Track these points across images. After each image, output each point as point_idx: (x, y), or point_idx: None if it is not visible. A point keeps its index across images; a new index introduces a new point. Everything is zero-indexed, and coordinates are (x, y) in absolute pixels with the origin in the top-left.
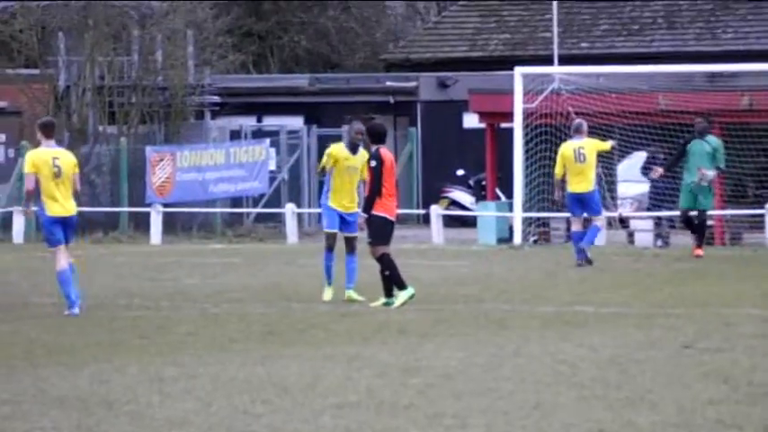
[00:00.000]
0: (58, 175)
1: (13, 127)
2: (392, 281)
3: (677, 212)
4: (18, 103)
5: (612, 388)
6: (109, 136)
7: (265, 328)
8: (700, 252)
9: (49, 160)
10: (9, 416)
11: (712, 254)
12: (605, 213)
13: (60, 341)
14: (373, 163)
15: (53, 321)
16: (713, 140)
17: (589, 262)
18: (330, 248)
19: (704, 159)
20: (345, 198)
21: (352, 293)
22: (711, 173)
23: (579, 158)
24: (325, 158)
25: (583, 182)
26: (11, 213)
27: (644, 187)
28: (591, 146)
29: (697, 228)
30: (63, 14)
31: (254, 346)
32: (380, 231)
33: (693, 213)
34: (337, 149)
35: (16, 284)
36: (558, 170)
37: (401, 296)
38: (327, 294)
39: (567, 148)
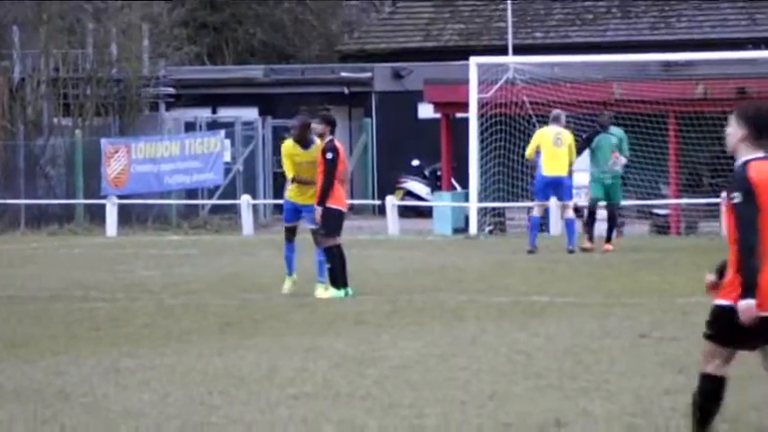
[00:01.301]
0: None
1: None
2: (331, 275)
3: (636, 201)
4: None
5: (568, 377)
6: (64, 128)
7: (222, 320)
8: (609, 247)
9: None
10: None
11: (668, 243)
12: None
13: (16, 333)
14: (329, 155)
15: (7, 314)
16: (618, 132)
17: (572, 252)
18: (289, 240)
19: (611, 151)
20: (303, 191)
21: (319, 289)
22: (623, 159)
23: (557, 143)
24: (284, 164)
25: (558, 165)
26: None
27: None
28: (568, 137)
29: (608, 222)
30: (17, 9)
31: (211, 338)
32: (334, 223)
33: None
34: (287, 148)
35: None
36: (528, 152)
37: (331, 292)
38: (286, 286)
39: (545, 132)
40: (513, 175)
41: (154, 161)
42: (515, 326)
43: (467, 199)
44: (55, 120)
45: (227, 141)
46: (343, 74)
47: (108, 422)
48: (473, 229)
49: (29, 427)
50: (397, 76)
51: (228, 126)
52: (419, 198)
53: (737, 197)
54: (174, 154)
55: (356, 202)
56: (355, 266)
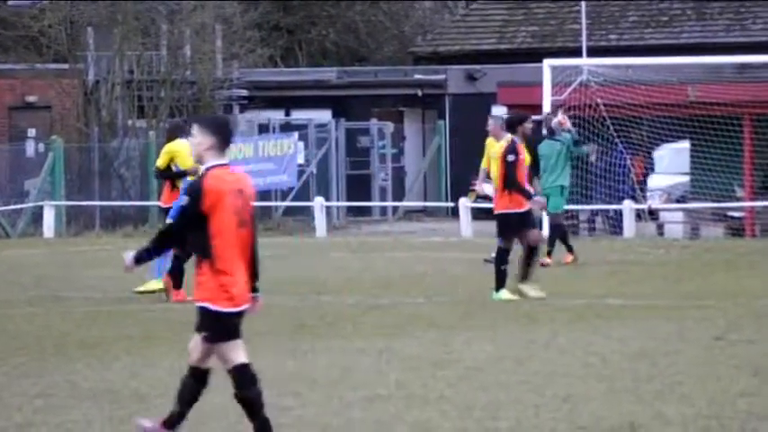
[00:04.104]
0: None
1: (43, 121)
2: (500, 276)
3: (710, 204)
4: (48, 97)
5: (643, 380)
6: (138, 130)
7: (295, 322)
8: (548, 261)
9: None
10: (41, 409)
11: (743, 246)
12: (635, 206)
13: (92, 335)
14: (510, 157)
15: (84, 315)
16: (565, 137)
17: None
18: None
19: (559, 160)
20: None
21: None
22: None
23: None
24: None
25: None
26: (41, 208)
27: (674, 179)
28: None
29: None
30: (92, 10)
31: (284, 340)
32: (509, 226)
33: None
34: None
35: (47, 279)
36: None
37: (505, 294)
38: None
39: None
40: (586, 177)
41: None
42: (589, 329)
43: None
44: (129, 122)
45: (301, 143)
46: (417, 76)
47: (182, 423)
48: (546, 231)
49: (104, 427)
50: (471, 78)
51: (302, 128)
52: (491, 200)
53: None
54: (248, 156)
55: (430, 204)
56: (429, 269)
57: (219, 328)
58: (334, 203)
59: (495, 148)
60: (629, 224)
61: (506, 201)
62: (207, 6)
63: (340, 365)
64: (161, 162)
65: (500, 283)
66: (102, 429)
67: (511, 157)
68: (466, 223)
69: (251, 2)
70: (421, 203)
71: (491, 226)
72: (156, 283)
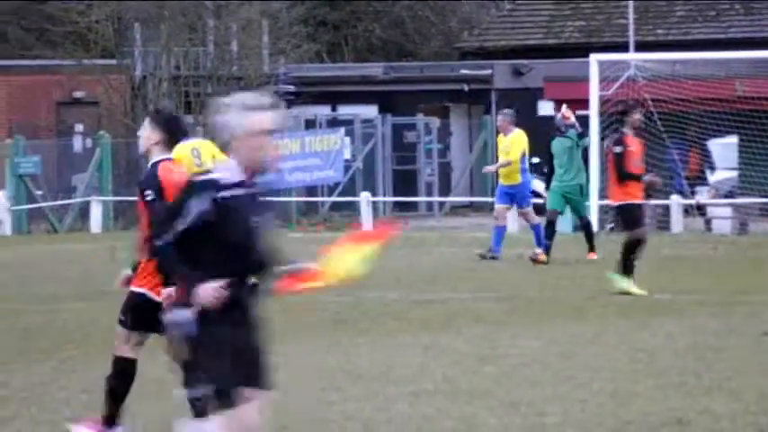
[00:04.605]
0: None
1: (90, 117)
2: (627, 264)
3: (759, 199)
4: (95, 93)
5: (690, 376)
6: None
7: (337, 316)
8: (593, 256)
9: None
10: (87, 404)
11: None
12: (683, 201)
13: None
14: (617, 149)
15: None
16: (572, 133)
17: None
18: None
19: (571, 157)
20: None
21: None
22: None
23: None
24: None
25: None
26: (88, 203)
27: (722, 174)
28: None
29: (585, 234)
30: (138, 5)
31: (326, 334)
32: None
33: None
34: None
35: (94, 274)
36: (517, 156)
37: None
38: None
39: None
40: None
41: None
42: (636, 324)
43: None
44: None
45: (347, 139)
46: (463, 71)
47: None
48: (594, 226)
49: (149, 421)
50: (518, 73)
51: (348, 123)
52: (539, 195)
53: None
54: (295, 151)
55: (476, 199)
56: (474, 264)
57: (145, 316)
58: (380, 198)
59: (503, 143)
60: (676, 219)
61: (621, 193)
62: (253, 2)
63: (384, 361)
64: None
65: (627, 272)
66: (147, 423)
67: (618, 149)
68: (512, 218)
69: None
70: (467, 199)
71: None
72: None
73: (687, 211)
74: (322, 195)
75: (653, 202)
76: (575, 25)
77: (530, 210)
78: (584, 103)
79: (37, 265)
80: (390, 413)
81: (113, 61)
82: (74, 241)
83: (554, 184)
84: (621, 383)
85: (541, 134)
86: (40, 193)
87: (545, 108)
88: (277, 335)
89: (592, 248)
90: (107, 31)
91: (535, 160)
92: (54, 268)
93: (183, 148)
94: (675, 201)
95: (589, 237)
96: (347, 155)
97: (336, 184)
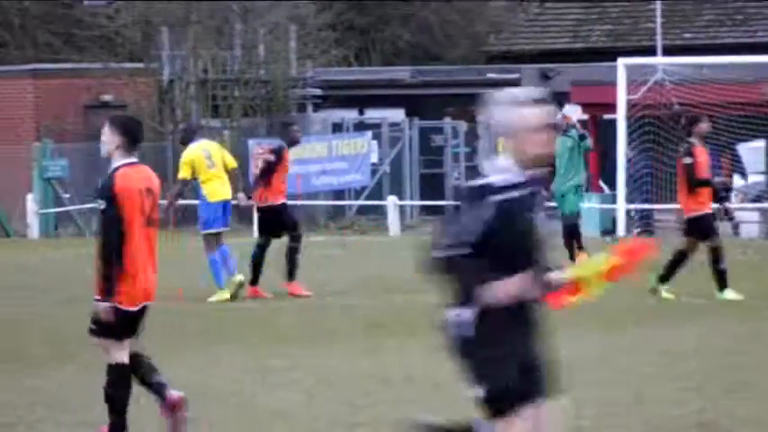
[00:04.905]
0: None
1: None
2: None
3: None
4: (123, 96)
5: (717, 380)
6: (212, 129)
7: (368, 320)
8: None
9: None
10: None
11: None
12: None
13: (162, 332)
14: (688, 160)
15: (156, 313)
16: (573, 133)
17: None
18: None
19: (572, 157)
20: None
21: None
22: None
23: None
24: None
25: None
26: None
27: (750, 178)
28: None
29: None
30: (166, 9)
31: (358, 338)
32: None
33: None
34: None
35: None
36: None
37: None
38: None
39: None
40: (661, 176)
41: (301, 162)
42: (665, 328)
43: (615, 201)
44: (203, 121)
45: (374, 142)
46: (490, 75)
47: (256, 422)
48: (621, 230)
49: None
50: (545, 77)
51: (375, 127)
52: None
53: None
54: (322, 155)
55: None
56: None
57: (113, 324)
58: (407, 202)
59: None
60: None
61: (693, 203)
62: (281, 6)
63: (415, 364)
64: (185, 173)
65: (722, 284)
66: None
67: (688, 160)
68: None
69: (325, 1)
70: None
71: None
72: (224, 293)
73: (715, 216)
74: (349, 199)
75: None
76: (602, 29)
77: None
78: (611, 108)
79: (64, 268)
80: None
81: (141, 65)
82: None
83: (553, 184)
84: (649, 387)
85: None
86: (67, 196)
87: (572, 112)
88: (310, 339)
89: (580, 248)
90: (135, 35)
91: None
92: (81, 271)
93: (195, 150)
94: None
95: (577, 238)
96: (374, 158)
97: (363, 188)
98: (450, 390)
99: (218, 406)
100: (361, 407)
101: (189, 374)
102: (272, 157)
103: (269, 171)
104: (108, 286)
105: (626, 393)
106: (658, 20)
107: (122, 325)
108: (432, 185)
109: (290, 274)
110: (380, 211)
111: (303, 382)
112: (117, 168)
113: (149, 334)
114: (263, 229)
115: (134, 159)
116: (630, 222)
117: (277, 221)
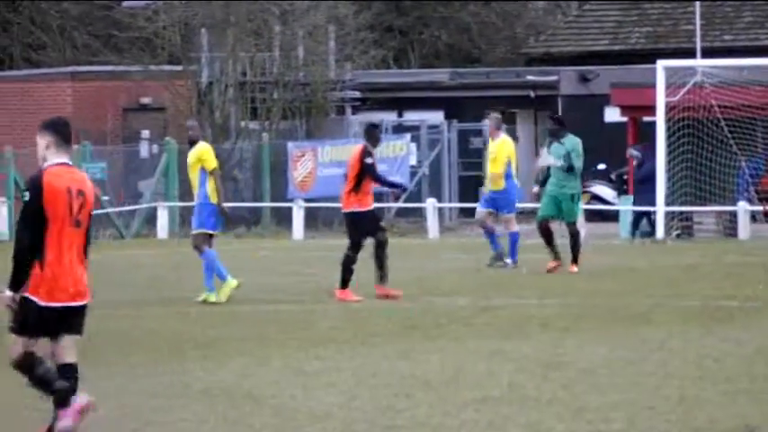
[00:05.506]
0: None
1: (157, 123)
2: None
3: None
4: (161, 99)
5: (758, 382)
6: (251, 132)
7: (407, 323)
8: (574, 269)
9: None
10: (156, 408)
11: None
12: (749, 207)
13: (205, 335)
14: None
15: (197, 316)
16: (569, 141)
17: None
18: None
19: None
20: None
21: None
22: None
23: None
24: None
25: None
26: (155, 209)
27: None
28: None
29: (571, 244)
30: (205, 11)
31: (396, 341)
32: None
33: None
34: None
35: (162, 279)
36: (501, 169)
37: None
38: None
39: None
40: (700, 178)
41: (340, 164)
42: (703, 330)
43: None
44: (242, 123)
45: (413, 145)
46: (529, 77)
47: (295, 424)
48: (660, 233)
49: (217, 427)
50: (584, 79)
51: (414, 129)
52: (605, 202)
53: None
54: None
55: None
56: (540, 270)
57: (29, 319)
58: (446, 204)
59: (490, 148)
60: (743, 226)
61: None
62: (320, 7)
63: (452, 366)
64: (213, 162)
65: None
66: (215, 429)
67: None
68: (580, 224)
69: (364, 1)
70: (532, 205)
71: (603, 227)
72: (214, 295)
73: (754, 217)
74: (388, 201)
75: (720, 208)
76: (641, 31)
77: (511, 217)
78: (650, 110)
79: (104, 271)
80: (458, 419)
81: (180, 67)
82: (140, 247)
83: (549, 188)
84: (688, 390)
85: (608, 141)
86: (106, 198)
87: (612, 114)
88: (349, 341)
89: (575, 260)
90: (174, 37)
91: (601, 167)
92: (121, 274)
93: (205, 146)
94: (742, 207)
95: (574, 247)
96: (413, 161)
97: (402, 191)
98: (486, 391)
99: (257, 408)
100: (400, 410)
101: (229, 377)
102: (371, 160)
103: (370, 173)
104: (17, 278)
105: (666, 396)
106: (698, 22)
107: (36, 318)
108: (471, 187)
109: (381, 277)
110: (419, 214)
111: (342, 384)
112: (49, 166)
113: (194, 337)
114: (354, 235)
115: (67, 161)
116: (669, 225)
117: (369, 226)
